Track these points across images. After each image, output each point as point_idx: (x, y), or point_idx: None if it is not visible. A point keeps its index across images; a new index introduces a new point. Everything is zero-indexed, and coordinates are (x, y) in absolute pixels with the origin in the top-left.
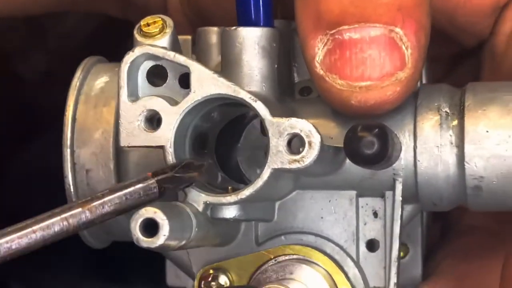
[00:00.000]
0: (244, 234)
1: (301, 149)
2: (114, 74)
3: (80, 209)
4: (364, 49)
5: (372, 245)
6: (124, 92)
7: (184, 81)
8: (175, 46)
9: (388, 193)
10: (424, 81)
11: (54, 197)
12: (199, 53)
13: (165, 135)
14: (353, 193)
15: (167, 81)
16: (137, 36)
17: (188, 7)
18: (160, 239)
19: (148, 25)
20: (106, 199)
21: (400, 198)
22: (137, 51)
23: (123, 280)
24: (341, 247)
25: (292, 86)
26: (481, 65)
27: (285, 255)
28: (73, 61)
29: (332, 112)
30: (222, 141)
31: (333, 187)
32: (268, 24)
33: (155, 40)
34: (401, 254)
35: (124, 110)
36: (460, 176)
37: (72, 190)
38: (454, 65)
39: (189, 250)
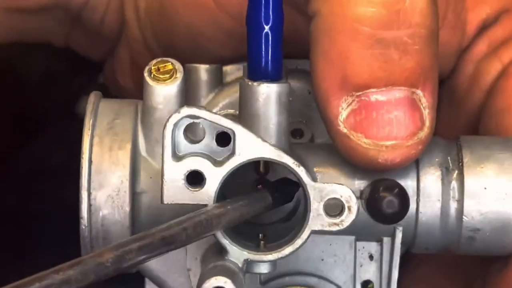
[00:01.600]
0: (249, 275)
1: (336, 216)
2: (123, 115)
3: None
4: (390, 110)
5: (366, 286)
6: (168, 152)
7: (220, 139)
8: (183, 89)
9: (386, 239)
10: None
11: (55, 198)
12: (190, 90)
13: (209, 193)
14: (352, 238)
15: (204, 139)
16: (148, 80)
17: (153, 37)
18: None
19: (158, 69)
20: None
21: (400, 246)
22: (183, 112)
23: (124, 280)
24: None
25: None
26: (439, 103)
27: None
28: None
29: (338, 162)
30: None
31: (335, 233)
32: (279, 77)
33: (166, 85)
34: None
35: (167, 169)
36: (457, 228)
37: (86, 231)
38: None
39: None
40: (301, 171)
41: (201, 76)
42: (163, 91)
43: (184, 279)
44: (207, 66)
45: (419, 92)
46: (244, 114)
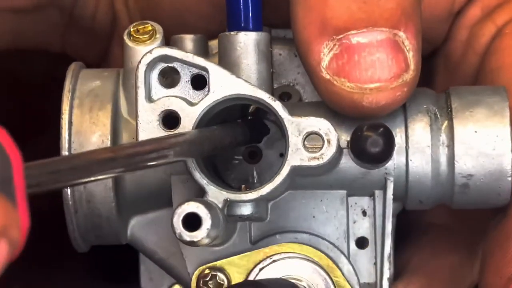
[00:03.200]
0: (238, 234)
1: (315, 149)
2: (104, 79)
3: None
4: (373, 52)
5: (361, 243)
6: (141, 93)
7: (196, 82)
8: None
9: (378, 192)
10: None
11: (56, 198)
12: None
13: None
14: (343, 192)
15: (180, 82)
16: (128, 42)
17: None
18: (203, 232)
19: (137, 30)
20: None
21: (392, 197)
22: (155, 52)
23: (123, 280)
24: (333, 245)
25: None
26: (435, 71)
27: (282, 253)
28: None
29: (324, 115)
30: None
31: (325, 187)
32: (259, 29)
33: (146, 45)
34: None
35: (142, 110)
36: (449, 175)
37: (69, 193)
38: None
39: (183, 250)
40: (277, 105)
41: (186, 46)
42: (143, 52)
43: (176, 248)
44: (192, 36)
45: (401, 34)
46: (224, 64)
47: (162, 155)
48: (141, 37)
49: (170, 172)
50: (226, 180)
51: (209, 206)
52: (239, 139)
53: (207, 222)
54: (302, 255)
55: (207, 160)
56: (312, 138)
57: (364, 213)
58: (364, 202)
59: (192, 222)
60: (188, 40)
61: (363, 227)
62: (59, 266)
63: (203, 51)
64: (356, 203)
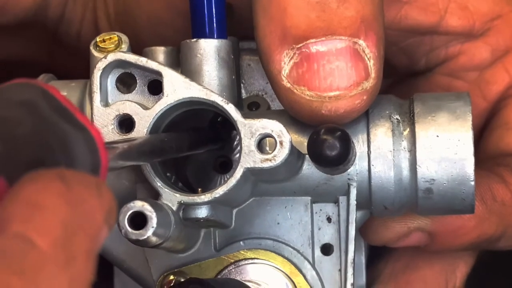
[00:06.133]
0: (203, 241)
1: (269, 149)
2: (71, 89)
3: None
4: (332, 61)
5: (326, 249)
6: (97, 97)
7: (153, 88)
8: None
9: (342, 198)
10: None
11: None
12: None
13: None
14: (308, 199)
15: (136, 87)
16: (94, 52)
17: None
18: (148, 231)
19: (104, 41)
20: None
21: (355, 202)
22: (109, 57)
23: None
24: (297, 251)
25: (241, 101)
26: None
27: (245, 259)
28: None
29: (286, 122)
30: None
31: (289, 194)
32: (223, 37)
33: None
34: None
35: (97, 114)
36: (412, 180)
37: None
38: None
39: (148, 257)
40: (230, 108)
41: (158, 58)
42: None
43: (143, 256)
44: (163, 48)
45: (361, 42)
46: (185, 71)
47: None
48: (106, 47)
49: (135, 181)
50: (197, 190)
51: (157, 205)
52: (194, 146)
53: (152, 220)
54: (265, 261)
55: (179, 171)
56: (270, 142)
57: (329, 219)
58: (329, 208)
59: (139, 221)
60: (160, 52)
61: (328, 234)
62: None
63: (174, 62)
64: (321, 210)
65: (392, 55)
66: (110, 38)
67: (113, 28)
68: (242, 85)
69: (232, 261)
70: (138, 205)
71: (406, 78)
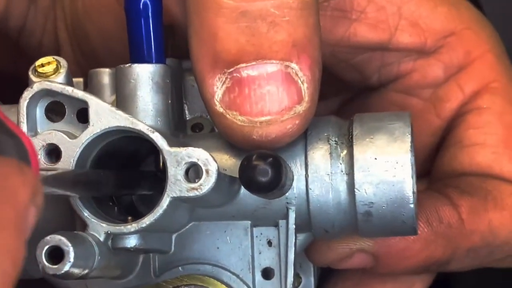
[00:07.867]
0: (142, 266)
1: (196, 180)
2: (11, 114)
3: None
4: (262, 85)
5: (267, 274)
6: (24, 127)
7: (82, 116)
8: (70, 85)
9: (282, 222)
10: None
11: None
12: (93, 93)
13: (66, 168)
14: (247, 223)
15: (65, 116)
16: (32, 77)
17: (80, 54)
18: (66, 266)
19: (42, 65)
20: None
21: (294, 226)
22: (35, 87)
23: None
24: (237, 276)
25: (184, 123)
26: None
27: (184, 285)
28: None
29: (225, 145)
30: None
31: (228, 218)
32: (160, 61)
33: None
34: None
35: None
36: (351, 203)
37: None
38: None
39: (88, 284)
40: (155, 137)
41: (103, 79)
42: None
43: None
44: (108, 69)
45: (294, 65)
46: (119, 97)
47: None
48: (45, 71)
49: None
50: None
51: (76, 238)
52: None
53: (69, 254)
54: (204, 287)
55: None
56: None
57: (269, 243)
58: (270, 232)
59: (58, 255)
60: (105, 74)
61: (269, 258)
62: None
63: None
64: (261, 234)
65: (344, 72)
66: (49, 62)
67: (72, 40)
68: (185, 106)
69: (171, 287)
70: (55, 239)
71: (360, 95)
